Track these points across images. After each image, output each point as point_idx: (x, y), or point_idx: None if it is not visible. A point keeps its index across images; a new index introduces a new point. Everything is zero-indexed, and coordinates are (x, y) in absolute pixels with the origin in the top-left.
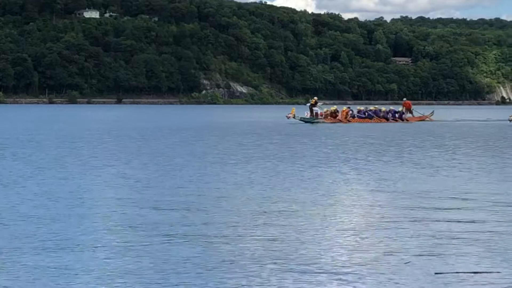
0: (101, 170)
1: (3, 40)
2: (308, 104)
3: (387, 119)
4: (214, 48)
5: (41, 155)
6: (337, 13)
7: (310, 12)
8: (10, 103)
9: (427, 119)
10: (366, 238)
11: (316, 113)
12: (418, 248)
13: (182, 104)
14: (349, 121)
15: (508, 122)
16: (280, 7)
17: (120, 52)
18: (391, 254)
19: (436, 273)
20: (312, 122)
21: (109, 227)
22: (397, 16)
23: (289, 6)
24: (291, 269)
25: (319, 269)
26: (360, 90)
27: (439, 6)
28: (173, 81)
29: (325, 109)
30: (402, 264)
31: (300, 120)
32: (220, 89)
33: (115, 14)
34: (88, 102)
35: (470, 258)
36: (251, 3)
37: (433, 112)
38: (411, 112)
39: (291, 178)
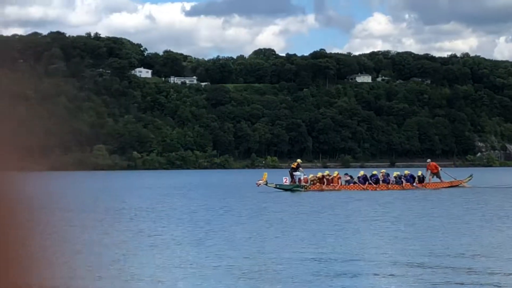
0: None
1: (279, 106)
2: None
3: (400, 185)
4: (489, 110)
5: None
6: None
7: None
8: (285, 168)
9: (461, 184)
10: None
11: (299, 179)
12: None
13: (456, 167)
14: (342, 187)
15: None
16: None
17: (392, 115)
18: None
19: None
20: (293, 190)
21: None
22: None
23: None
24: None
25: None
26: None
27: None
28: (447, 143)
29: (310, 175)
30: None
31: (276, 187)
32: (496, 151)
33: (387, 78)
34: (361, 166)
35: None
36: None
37: (471, 176)
38: (438, 176)
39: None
